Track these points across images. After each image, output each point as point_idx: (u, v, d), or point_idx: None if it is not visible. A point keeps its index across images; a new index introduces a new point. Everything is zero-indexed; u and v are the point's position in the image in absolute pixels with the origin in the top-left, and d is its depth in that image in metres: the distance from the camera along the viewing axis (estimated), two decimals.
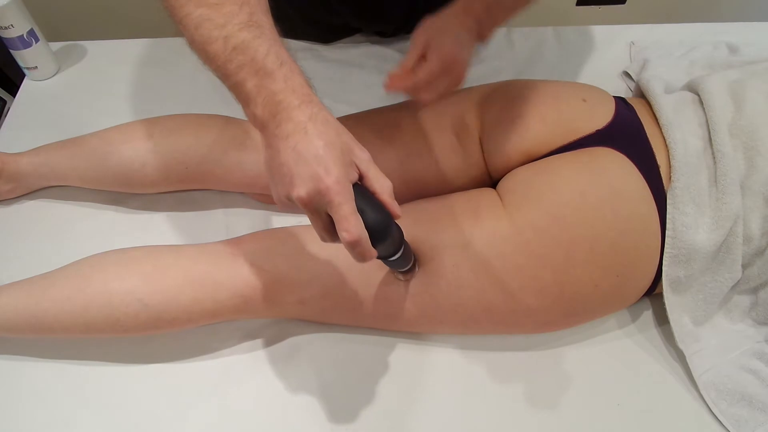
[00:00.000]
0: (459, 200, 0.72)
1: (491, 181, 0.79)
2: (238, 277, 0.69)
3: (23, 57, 1.00)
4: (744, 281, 0.72)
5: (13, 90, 1.05)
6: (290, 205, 0.52)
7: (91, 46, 1.10)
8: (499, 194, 0.72)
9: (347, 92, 1.00)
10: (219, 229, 0.85)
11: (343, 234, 0.49)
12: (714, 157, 0.68)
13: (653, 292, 0.72)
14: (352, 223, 0.49)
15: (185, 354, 0.74)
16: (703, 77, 0.76)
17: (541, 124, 0.74)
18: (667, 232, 0.66)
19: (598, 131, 0.72)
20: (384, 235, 0.53)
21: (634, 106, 0.76)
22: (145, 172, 0.81)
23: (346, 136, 0.53)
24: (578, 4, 1.52)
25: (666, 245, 0.67)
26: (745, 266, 0.70)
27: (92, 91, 1.03)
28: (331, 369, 0.73)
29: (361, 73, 1.04)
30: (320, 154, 0.49)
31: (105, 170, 0.82)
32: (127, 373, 0.73)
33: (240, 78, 0.51)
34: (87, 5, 1.42)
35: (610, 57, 1.07)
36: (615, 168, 0.68)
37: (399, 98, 0.86)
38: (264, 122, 0.51)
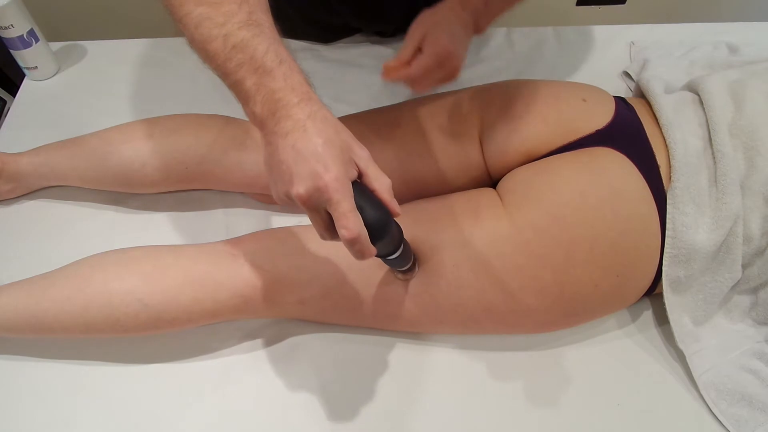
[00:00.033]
0: (459, 200, 0.72)
1: (491, 181, 0.79)
2: (238, 277, 0.69)
3: (23, 57, 1.00)
4: (744, 281, 0.72)
5: (13, 90, 1.05)
6: (290, 203, 0.52)
7: (91, 46, 1.10)
8: (499, 194, 0.72)
9: (347, 92, 1.00)
10: (219, 229, 0.85)
11: (342, 231, 0.49)
12: (714, 157, 0.68)
13: (653, 292, 0.72)
14: (351, 221, 0.49)
15: (185, 354, 0.74)
16: (703, 77, 0.76)
17: (541, 124, 0.74)
18: (667, 232, 0.66)
19: (598, 131, 0.72)
20: (383, 233, 0.53)
21: (634, 106, 0.76)
22: (145, 172, 0.81)
23: (345, 134, 0.53)
24: (578, 4, 1.52)
25: (666, 245, 0.67)
26: (745, 266, 0.70)
27: (92, 91, 1.03)
28: (331, 369, 0.73)
29: (361, 73, 1.04)
30: (319, 151, 0.49)
31: (105, 170, 0.82)
32: (127, 373, 0.73)
33: (239, 76, 0.51)
34: (87, 5, 1.42)
35: (610, 57, 1.07)
36: (615, 168, 0.68)
37: (399, 98, 0.86)
38: (263, 120, 0.51)
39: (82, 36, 1.12)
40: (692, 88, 0.77)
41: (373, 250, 0.52)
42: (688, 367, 0.71)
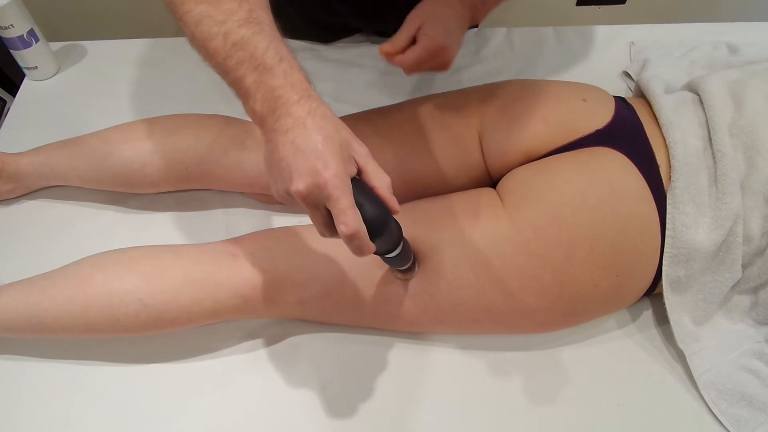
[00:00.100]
0: (459, 200, 0.72)
1: (491, 181, 0.79)
2: (238, 277, 0.69)
3: (23, 57, 1.00)
4: (744, 281, 0.72)
5: (13, 90, 1.05)
6: (290, 200, 0.52)
7: (91, 46, 1.10)
8: (498, 194, 0.72)
9: (347, 92, 1.00)
10: (219, 229, 0.85)
11: (341, 227, 0.49)
12: (714, 157, 0.68)
13: (653, 292, 0.72)
14: (350, 217, 0.49)
15: (185, 354, 0.74)
16: (703, 77, 0.76)
17: (541, 124, 0.74)
18: (666, 231, 0.66)
19: (597, 131, 0.72)
20: (382, 230, 0.53)
21: (634, 106, 0.76)
22: (145, 172, 0.81)
23: (345, 131, 0.53)
24: (578, 4, 1.52)
25: (666, 245, 0.67)
26: (745, 266, 0.70)
27: (92, 91, 1.03)
28: (331, 369, 0.73)
29: (361, 73, 1.04)
30: (319, 148, 0.49)
31: (105, 170, 0.82)
32: (127, 373, 0.73)
33: (239, 74, 0.51)
34: (87, 5, 1.42)
35: (610, 57, 1.07)
36: (615, 168, 0.68)
37: (399, 98, 0.86)
38: (263, 117, 0.51)
39: (82, 36, 1.12)
40: (692, 88, 0.77)
41: (372, 246, 0.52)
42: (688, 367, 0.71)
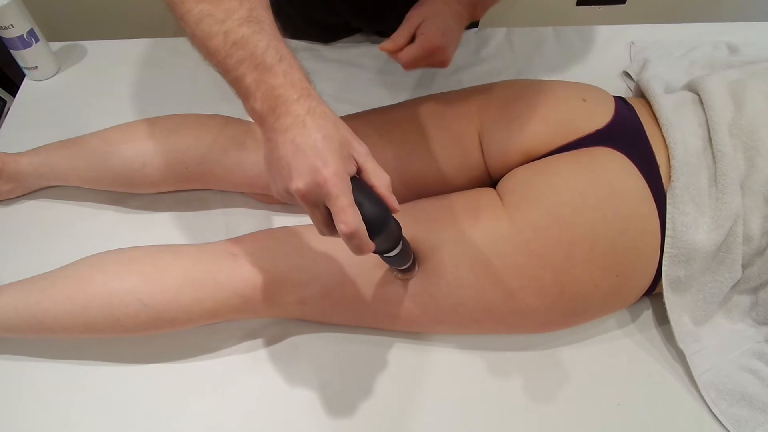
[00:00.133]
0: (459, 200, 0.72)
1: (491, 181, 0.79)
2: (238, 277, 0.69)
3: (23, 57, 1.00)
4: (744, 281, 0.72)
5: (13, 90, 1.05)
6: (289, 199, 0.52)
7: (91, 46, 1.10)
8: (498, 194, 0.72)
9: (347, 92, 1.00)
10: (219, 229, 0.85)
11: (340, 226, 0.49)
12: (714, 157, 0.68)
13: (653, 292, 0.72)
14: (349, 215, 0.49)
15: (185, 354, 0.74)
16: (703, 77, 0.76)
17: (541, 124, 0.74)
18: (666, 231, 0.66)
19: (597, 131, 0.72)
20: (381, 228, 0.53)
21: (634, 106, 0.76)
22: (145, 172, 0.81)
23: (344, 130, 0.53)
24: (578, 4, 1.52)
25: (666, 245, 0.67)
26: (745, 266, 0.70)
27: (92, 91, 1.03)
28: (331, 369, 0.73)
29: (361, 73, 1.04)
30: (318, 146, 0.49)
31: (105, 170, 0.82)
32: (126, 373, 0.73)
33: (240, 73, 0.51)
34: (87, 5, 1.42)
35: (610, 57, 1.07)
36: (615, 168, 0.68)
37: (399, 98, 0.86)
38: (263, 116, 0.51)
39: (82, 36, 1.12)
40: (692, 88, 0.77)
41: (372, 245, 0.52)
42: (688, 367, 0.71)
